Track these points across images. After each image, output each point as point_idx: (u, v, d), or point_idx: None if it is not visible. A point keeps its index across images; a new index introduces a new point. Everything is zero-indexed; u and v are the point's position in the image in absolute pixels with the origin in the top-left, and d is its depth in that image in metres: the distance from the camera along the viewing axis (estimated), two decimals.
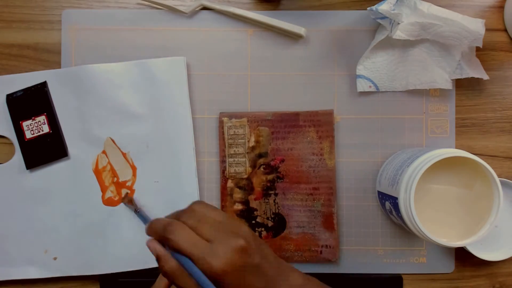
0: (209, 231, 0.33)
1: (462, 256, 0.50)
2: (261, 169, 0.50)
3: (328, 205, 0.49)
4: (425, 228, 0.40)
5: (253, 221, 0.50)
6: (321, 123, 0.50)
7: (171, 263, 0.33)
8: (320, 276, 0.50)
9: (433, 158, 0.40)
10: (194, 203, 0.36)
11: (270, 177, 0.50)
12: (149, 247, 0.35)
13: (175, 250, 0.33)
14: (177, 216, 0.35)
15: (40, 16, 0.51)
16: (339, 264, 0.50)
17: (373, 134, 0.51)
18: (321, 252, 0.49)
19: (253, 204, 0.50)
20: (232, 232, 0.33)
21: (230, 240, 0.33)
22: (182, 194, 0.49)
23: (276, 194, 0.50)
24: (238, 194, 0.50)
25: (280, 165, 0.50)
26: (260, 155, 0.50)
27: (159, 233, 0.34)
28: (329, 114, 0.50)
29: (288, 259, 0.49)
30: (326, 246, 0.49)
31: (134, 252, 0.49)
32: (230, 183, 0.50)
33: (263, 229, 0.50)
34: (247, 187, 0.50)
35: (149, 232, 0.36)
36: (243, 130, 0.50)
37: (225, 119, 0.50)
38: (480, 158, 0.41)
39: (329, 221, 0.49)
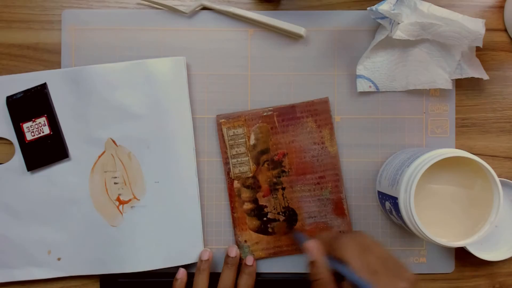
0: (376, 262, 0.32)
1: (462, 256, 0.50)
2: (265, 165, 0.50)
3: (336, 191, 0.49)
4: (425, 228, 0.40)
5: (265, 218, 0.50)
6: (318, 112, 0.50)
7: (325, 270, 0.34)
8: None
9: (433, 158, 0.40)
10: (357, 231, 0.36)
11: (275, 172, 0.50)
12: (308, 249, 0.35)
13: (340, 260, 0.32)
14: (339, 235, 0.35)
15: (40, 16, 0.51)
16: None
17: (373, 134, 0.51)
18: None
19: (262, 201, 0.50)
20: (397, 272, 0.32)
21: (395, 279, 0.32)
22: (183, 194, 0.49)
23: (283, 188, 0.50)
24: (246, 194, 0.50)
25: (283, 159, 0.50)
26: (262, 152, 0.50)
27: (327, 241, 0.35)
28: (325, 102, 0.50)
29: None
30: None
31: (137, 252, 0.49)
32: (236, 184, 0.50)
33: (275, 224, 0.50)
34: (254, 185, 0.50)
35: (316, 241, 0.37)
36: (242, 129, 0.50)
37: (223, 121, 0.50)
38: (480, 158, 0.41)
39: (339, 208, 0.49)
